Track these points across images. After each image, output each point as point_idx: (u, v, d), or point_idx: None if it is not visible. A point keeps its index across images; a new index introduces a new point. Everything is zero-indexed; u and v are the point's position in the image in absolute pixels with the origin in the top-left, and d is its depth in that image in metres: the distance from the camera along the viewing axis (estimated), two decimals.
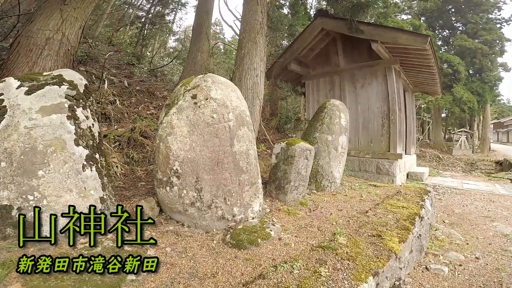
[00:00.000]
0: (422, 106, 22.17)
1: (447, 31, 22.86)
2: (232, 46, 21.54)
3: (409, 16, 23.23)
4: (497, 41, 20.29)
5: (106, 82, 6.16)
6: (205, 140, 2.63)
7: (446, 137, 28.71)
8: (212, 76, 2.99)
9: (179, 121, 2.63)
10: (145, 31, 17.23)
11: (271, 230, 2.64)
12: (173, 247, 2.30)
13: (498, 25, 20.65)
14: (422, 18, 22.85)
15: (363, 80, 7.82)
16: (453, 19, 22.29)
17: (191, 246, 2.36)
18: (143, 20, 17.85)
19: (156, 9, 18.05)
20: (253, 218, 2.88)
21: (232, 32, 16.94)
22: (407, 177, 8.33)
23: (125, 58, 12.67)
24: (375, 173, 7.40)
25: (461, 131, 23.06)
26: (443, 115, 28.45)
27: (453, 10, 21.98)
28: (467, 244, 3.89)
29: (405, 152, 9.16)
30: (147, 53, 17.68)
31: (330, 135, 4.51)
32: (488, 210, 5.44)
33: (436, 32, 22.85)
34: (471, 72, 21.00)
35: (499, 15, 20.88)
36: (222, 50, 22.31)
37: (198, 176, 2.61)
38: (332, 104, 4.73)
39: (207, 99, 2.74)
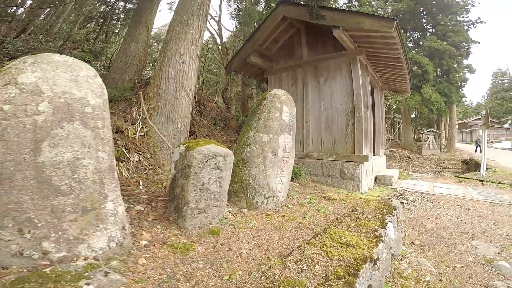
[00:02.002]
0: (393, 106, 21.65)
1: (418, 33, 22.45)
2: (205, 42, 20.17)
3: None
4: (464, 43, 20.01)
5: None
6: None
7: (415, 137, 28.55)
8: (43, 56, 1.73)
9: None
10: (106, 27, 15.52)
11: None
12: None
13: (466, 27, 20.38)
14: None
15: (326, 73, 6.70)
16: (424, 21, 21.92)
17: None
18: (104, 15, 16.14)
19: (121, 4, 16.33)
20: (86, 259, 1.62)
21: (215, 33, 15.54)
22: (376, 181, 7.30)
23: (81, 55, 11.19)
24: (339, 178, 6.28)
25: (430, 131, 22.79)
26: (413, 115, 28.25)
27: (424, 12, 21.58)
28: (441, 280, 2.76)
29: (373, 153, 8.15)
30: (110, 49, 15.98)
31: (267, 134, 3.30)
32: (465, 223, 4.41)
33: (408, 34, 22.40)
34: (439, 73, 20.66)
35: (467, 17, 20.61)
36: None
37: None
38: (273, 94, 3.53)
39: (5, 85, 1.46)
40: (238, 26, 15.03)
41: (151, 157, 4.29)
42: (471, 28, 20.64)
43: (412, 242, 3.58)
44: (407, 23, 21.76)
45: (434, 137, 22.03)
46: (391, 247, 2.61)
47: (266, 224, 2.75)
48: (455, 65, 19.90)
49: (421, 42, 21.57)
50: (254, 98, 12.03)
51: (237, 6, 13.62)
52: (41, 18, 14.73)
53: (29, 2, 13.79)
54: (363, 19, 5.36)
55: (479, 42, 20.66)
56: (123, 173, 3.50)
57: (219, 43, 15.85)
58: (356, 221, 2.58)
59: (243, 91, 12.46)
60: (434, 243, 3.64)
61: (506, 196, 6.26)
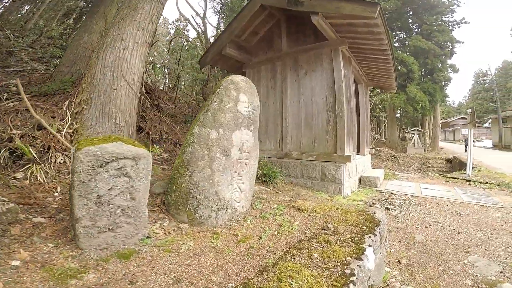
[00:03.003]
0: (378, 105, 21.24)
1: (404, 33, 22.12)
2: (190, 40, 19.27)
3: None
4: (448, 43, 19.77)
5: None
6: None
7: (400, 136, 28.32)
8: None
9: None
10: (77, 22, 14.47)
11: None
12: None
13: (450, 27, 20.13)
14: None
15: (307, 66, 6.00)
16: (410, 21, 21.60)
17: None
18: (82, 10, 15.05)
19: None
20: None
21: (199, 29, 14.73)
22: (360, 182, 6.65)
23: (51, 51, 10.30)
24: (320, 180, 5.60)
25: (414, 130, 22.51)
26: (398, 114, 28.01)
27: (410, 12, 21.22)
28: None
29: (358, 152, 7.53)
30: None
31: (215, 129, 2.57)
32: (458, 232, 3.78)
33: (394, 33, 22.03)
34: (423, 72, 20.36)
35: (452, 17, 20.36)
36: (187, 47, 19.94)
37: None
38: (229, 81, 2.81)
39: None
40: (222, 21, 14.24)
41: None
42: (455, 28, 20.44)
43: (399, 261, 2.90)
44: (393, 23, 21.38)
45: (419, 136, 21.76)
46: (369, 278, 1.92)
47: (206, 247, 2.07)
48: (439, 65, 19.62)
49: (407, 42, 21.24)
50: None
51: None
52: (19, 15, 13.66)
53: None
54: (343, 3, 4.67)
55: (463, 42, 20.43)
56: (38, 178, 2.72)
57: (204, 40, 15.05)
58: (323, 247, 1.88)
59: None
60: (425, 260, 2.97)
61: (496, 198, 5.70)
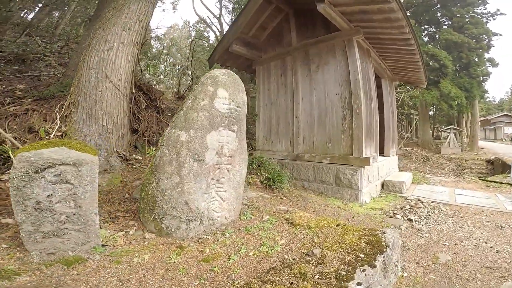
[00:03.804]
0: (408, 102, 19.65)
1: (433, 27, 20.38)
2: (211, 41, 19.21)
3: None
4: (484, 36, 17.84)
5: None
6: None
7: (434, 135, 26.09)
8: None
9: None
10: None
11: None
12: None
13: (484, 19, 18.17)
14: (408, 13, 20.39)
15: (318, 59, 5.43)
16: (439, 14, 19.85)
17: None
18: None
19: None
20: None
21: (217, 30, 14.67)
22: (383, 187, 5.91)
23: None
24: (334, 185, 5.00)
25: (450, 128, 20.50)
26: (431, 112, 25.86)
27: (438, 5, 19.51)
28: None
29: (382, 153, 6.76)
30: None
31: (185, 131, 2.23)
32: (497, 251, 3.03)
33: (422, 28, 20.36)
34: (458, 68, 18.51)
35: (485, 9, 18.38)
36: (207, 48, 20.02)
37: None
38: (208, 75, 2.47)
39: None
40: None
41: None
42: (490, 20, 18.39)
43: None
44: (420, 16, 19.80)
45: (455, 135, 19.76)
46: None
47: (160, 263, 1.85)
48: (476, 59, 17.73)
49: (437, 36, 19.51)
50: (249, 94, 10.85)
51: None
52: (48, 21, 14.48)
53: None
54: None
55: (500, 35, 18.35)
56: None
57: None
58: (292, 283, 1.37)
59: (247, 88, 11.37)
60: None
61: None
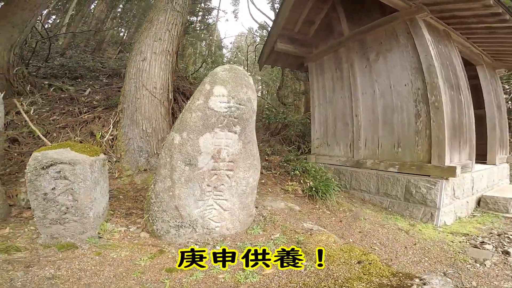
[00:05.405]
0: None
1: None
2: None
3: None
4: None
5: None
6: None
7: None
8: None
9: None
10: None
11: None
12: None
13: None
14: None
15: (377, 46, 4.41)
16: None
17: None
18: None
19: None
20: None
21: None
22: (479, 204, 4.30)
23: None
24: (403, 200, 3.86)
25: None
26: None
27: None
28: None
29: (484, 160, 5.10)
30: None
31: (179, 133, 2.06)
32: None
33: None
34: None
35: None
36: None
37: None
38: (211, 74, 2.21)
39: None
40: None
41: (116, 161, 3.83)
42: None
43: None
44: None
45: None
46: None
47: (127, 263, 1.89)
48: None
49: None
50: (309, 94, 10.05)
51: None
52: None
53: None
54: None
55: None
56: None
57: None
58: None
59: (296, 87, 10.71)
60: None
61: None
